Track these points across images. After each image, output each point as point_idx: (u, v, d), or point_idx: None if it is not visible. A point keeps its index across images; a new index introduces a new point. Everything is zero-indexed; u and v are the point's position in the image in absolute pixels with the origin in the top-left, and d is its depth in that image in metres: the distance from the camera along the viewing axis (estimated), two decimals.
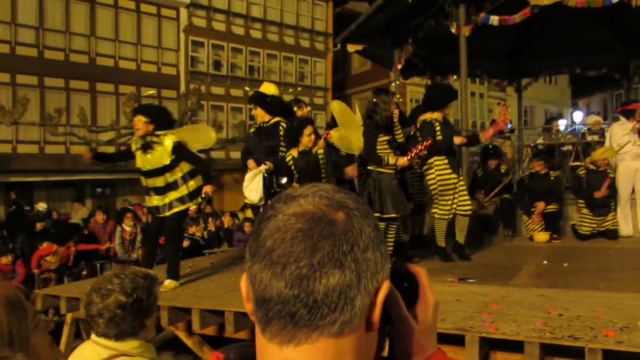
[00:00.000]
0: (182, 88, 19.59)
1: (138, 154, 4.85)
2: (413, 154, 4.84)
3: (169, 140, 4.77)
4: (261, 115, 5.32)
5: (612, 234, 6.67)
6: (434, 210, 5.55)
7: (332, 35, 22.70)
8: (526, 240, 6.94)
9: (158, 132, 4.79)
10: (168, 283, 4.72)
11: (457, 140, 5.59)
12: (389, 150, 4.88)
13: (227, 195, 19.17)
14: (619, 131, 6.98)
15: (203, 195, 5.10)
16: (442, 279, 4.58)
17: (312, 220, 0.60)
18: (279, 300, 0.59)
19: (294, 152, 5.12)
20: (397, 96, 6.90)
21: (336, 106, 5.85)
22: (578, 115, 19.91)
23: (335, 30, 21.22)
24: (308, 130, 5.02)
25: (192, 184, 4.91)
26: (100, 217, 9.57)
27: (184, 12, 20.20)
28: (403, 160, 4.81)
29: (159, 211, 4.85)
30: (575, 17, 9.28)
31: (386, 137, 4.85)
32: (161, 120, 4.90)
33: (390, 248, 4.94)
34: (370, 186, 4.85)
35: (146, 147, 4.78)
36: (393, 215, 4.79)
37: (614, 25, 10.25)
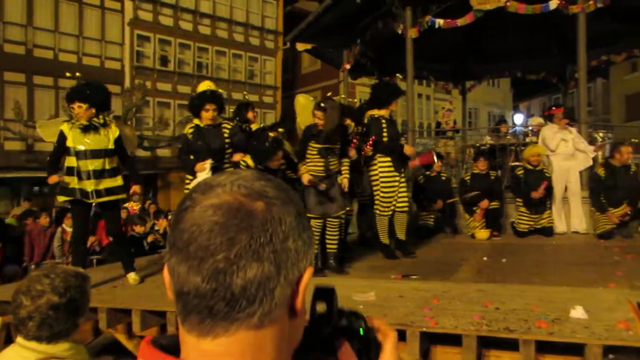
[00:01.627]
0: (127, 83, 19.00)
1: (74, 133, 4.62)
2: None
3: (115, 128, 4.76)
4: (213, 117, 5.23)
5: (548, 231, 6.98)
6: (375, 208, 5.62)
7: (282, 34, 22.63)
8: (468, 237, 7.15)
9: (103, 116, 4.74)
10: (134, 276, 4.79)
11: (409, 150, 5.71)
12: (316, 157, 4.92)
13: (174, 194, 18.76)
14: (550, 133, 7.30)
15: (131, 194, 5.04)
16: (386, 276, 4.64)
17: (229, 212, 0.59)
18: (196, 294, 0.58)
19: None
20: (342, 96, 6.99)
21: (302, 100, 5.83)
22: (519, 118, 20.70)
23: (286, 28, 21.16)
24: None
25: (122, 178, 4.84)
26: (44, 220, 9.11)
27: (129, 5, 19.58)
28: (306, 178, 4.89)
29: (87, 196, 4.61)
30: (517, 23, 9.64)
31: (317, 145, 4.89)
32: (99, 101, 4.75)
33: (334, 247, 4.96)
34: (301, 186, 4.92)
35: (88, 128, 4.62)
36: (313, 215, 4.81)
37: (551, 31, 10.73)
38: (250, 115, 5.78)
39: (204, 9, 21.52)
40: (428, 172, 7.51)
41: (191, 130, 5.12)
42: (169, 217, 10.89)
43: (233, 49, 22.49)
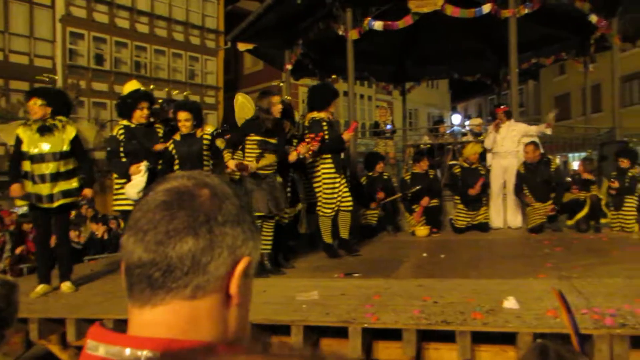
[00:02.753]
0: (59, 82, 18.17)
1: (28, 135, 4.47)
2: (299, 150, 4.88)
3: (70, 129, 4.59)
4: (147, 116, 5.08)
5: (484, 227, 7.25)
6: (318, 208, 5.66)
7: (223, 33, 22.34)
8: (409, 235, 7.31)
9: (59, 118, 4.56)
10: (69, 285, 4.65)
11: (348, 135, 5.74)
12: (257, 151, 4.86)
13: (111, 199, 18.09)
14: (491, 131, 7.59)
15: (81, 199, 4.85)
16: (330, 275, 4.68)
17: (176, 194, 0.66)
18: (138, 264, 0.64)
19: (176, 136, 5.05)
20: (287, 97, 7.00)
21: (241, 99, 5.76)
22: (456, 118, 21.41)
23: (227, 28, 20.90)
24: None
25: (77, 180, 4.65)
26: None
27: (60, 1, 18.74)
28: (232, 164, 4.82)
29: (41, 200, 4.46)
30: (453, 27, 9.97)
31: (257, 137, 4.84)
32: (58, 103, 4.62)
33: (268, 247, 4.90)
34: (247, 183, 4.83)
35: (44, 130, 4.46)
36: (262, 213, 4.75)
37: (486, 35, 11.17)
38: (172, 114, 5.60)
39: (141, 7, 20.93)
40: (370, 173, 7.63)
41: (121, 132, 4.95)
42: (109, 222, 10.51)
43: (173, 48, 22.00)
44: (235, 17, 18.79)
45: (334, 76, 8.79)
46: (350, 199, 5.71)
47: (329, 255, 5.67)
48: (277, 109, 4.86)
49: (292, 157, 4.89)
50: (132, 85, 5.12)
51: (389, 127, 10.17)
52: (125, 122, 4.99)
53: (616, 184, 6.80)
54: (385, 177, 7.78)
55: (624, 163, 6.90)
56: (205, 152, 5.09)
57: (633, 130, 18.13)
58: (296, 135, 5.70)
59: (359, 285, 4.19)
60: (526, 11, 8.03)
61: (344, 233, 5.77)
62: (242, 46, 10.55)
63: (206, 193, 0.66)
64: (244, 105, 5.62)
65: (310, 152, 5.22)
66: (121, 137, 4.94)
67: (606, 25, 8.69)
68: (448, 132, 11.63)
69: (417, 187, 7.21)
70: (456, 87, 27.07)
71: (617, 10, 8.85)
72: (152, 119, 5.14)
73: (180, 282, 0.63)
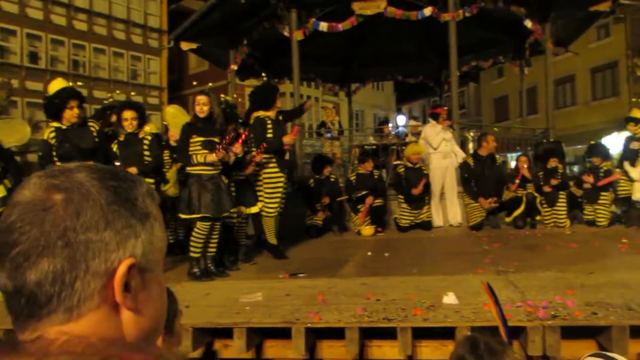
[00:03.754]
0: None
1: None
2: (220, 149, 4.80)
3: None
4: (78, 115, 4.88)
5: (427, 225, 7.42)
6: (262, 208, 5.62)
7: (167, 32, 21.80)
8: (354, 234, 7.37)
9: None
10: None
11: (289, 139, 5.72)
12: (201, 151, 4.76)
13: None
14: (432, 132, 7.78)
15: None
16: (274, 276, 4.65)
17: (25, 208, 0.58)
18: (5, 291, 0.59)
19: (120, 137, 4.99)
20: (222, 95, 6.91)
21: (172, 110, 5.73)
22: (401, 119, 21.84)
23: (171, 27, 20.38)
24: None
25: (7, 183, 4.40)
26: None
27: None
28: (212, 157, 4.72)
29: None
30: (397, 29, 10.17)
31: (200, 138, 4.74)
32: None
33: (198, 249, 4.75)
34: (189, 185, 4.73)
35: None
36: (204, 215, 4.65)
37: (428, 38, 11.46)
38: (114, 118, 5.42)
39: (79, 3, 20.11)
40: (318, 176, 7.64)
41: (52, 135, 4.71)
42: None
43: (113, 47, 21.28)
44: (179, 16, 18.38)
45: (263, 75, 8.76)
46: (276, 203, 5.67)
47: (274, 256, 5.64)
48: (200, 109, 4.75)
49: (210, 157, 4.80)
50: (57, 84, 4.87)
51: (329, 135, 10.25)
52: (55, 124, 4.75)
53: (591, 179, 7.15)
54: (333, 179, 7.83)
55: (554, 162, 7.24)
56: (145, 153, 5.00)
57: (565, 131, 19.11)
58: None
59: (304, 285, 4.18)
60: (465, 15, 8.29)
61: (272, 238, 5.71)
62: (185, 45, 10.34)
63: (59, 200, 0.58)
64: (175, 116, 5.55)
65: (254, 161, 5.19)
66: (53, 141, 4.70)
67: (540, 30, 9.10)
68: (393, 132, 11.82)
69: (364, 192, 7.29)
70: (401, 88, 27.61)
71: (549, 16, 9.29)
72: (86, 118, 4.96)
73: (47, 308, 0.57)
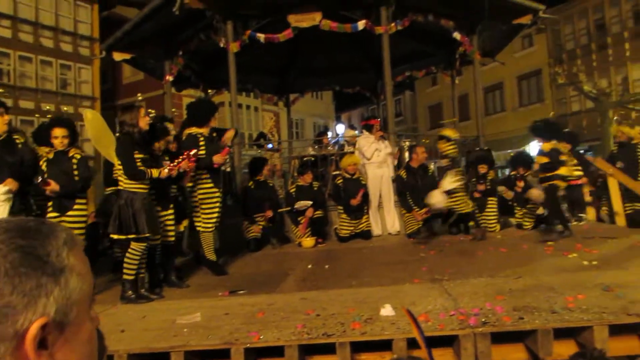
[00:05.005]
0: None
1: None
2: (175, 165, 4.70)
3: None
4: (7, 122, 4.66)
5: (367, 235, 7.55)
6: (198, 224, 5.53)
7: (98, 41, 21.06)
8: (295, 247, 7.38)
9: None
10: None
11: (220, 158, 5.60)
12: (142, 168, 4.63)
13: None
14: (365, 143, 7.95)
15: None
16: (213, 294, 4.59)
17: None
18: None
19: (50, 154, 4.81)
20: (150, 110, 6.75)
21: (89, 115, 5.45)
22: (340, 128, 22.12)
23: (103, 34, 19.72)
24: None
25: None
26: None
27: None
28: (165, 172, 4.63)
29: None
30: (334, 40, 10.32)
31: (140, 155, 4.55)
32: None
33: (133, 271, 4.56)
34: (123, 206, 4.49)
35: None
36: (140, 235, 4.49)
37: (364, 49, 11.71)
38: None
39: (2, 9, 19.09)
40: (257, 177, 7.54)
41: None
42: None
43: (40, 55, 20.30)
44: (112, 24, 17.84)
45: (210, 91, 8.65)
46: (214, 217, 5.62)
47: (213, 273, 5.56)
48: (144, 122, 4.60)
49: (164, 173, 4.67)
50: None
51: (269, 146, 10.25)
52: None
53: (511, 195, 7.49)
54: (270, 184, 7.81)
55: (483, 169, 7.57)
56: (75, 172, 4.82)
57: (496, 137, 20.02)
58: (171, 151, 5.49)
59: (244, 303, 4.15)
60: (398, 28, 8.54)
61: (210, 254, 5.64)
62: (117, 56, 10.04)
63: None
64: (93, 122, 5.35)
65: (185, 169, 5.01)
66: None
67: (468, 42, 9.51)
68: (332, 142, 11.96)
69: (309, 203, 7.30)
70: (340, 97, 27.98)
71: (476, 29, 9.73)
72: (10, 131, 4.71)
73: None
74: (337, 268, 5.52)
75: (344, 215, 7.56)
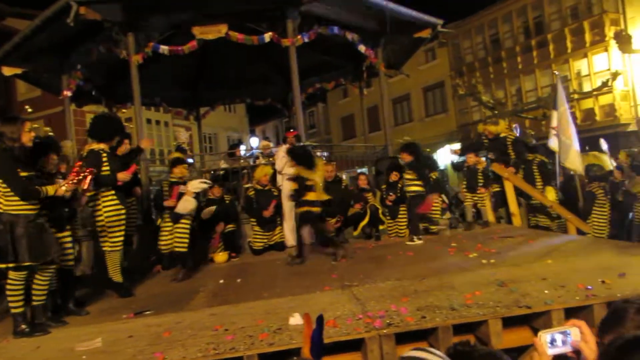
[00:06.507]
0: None
1: None
2: (69, 182, 4.39)
3: None
4: None
5: (280, 246, 7.52)
6: (104, 244, 5.26)
7: None
8: (207, 262, 7.19)
9: None
10: None
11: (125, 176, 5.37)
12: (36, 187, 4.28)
13: None
14: (279, 155, 7.94)
15: None
16: (118, 317, 4.35)
17: None
18: None
19: None
20: (36, 124, 6.33)
21: None
22: (254, 141, 22.01)
23: None
24: None
25: None
26: None
27: None
28: (62, 190, 4.32)
29: None
30: (243, 53, 10.27)
31: (25, 173, 4.12)
32: None
33: (19, 302, 4.12)
34: (2, 231, 4.02)
35: None
36: (20, 264, 4.03)
37: (273, 61, 11.75)
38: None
39: None
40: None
41: None
42: None
43: None
44: (2, 36, 16.58)
45: (115, 107, 8.28)
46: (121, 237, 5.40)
47: (119, 295, 5.29)
48: (28, 137, 4.13)
49: (60, 191, 4.34)
50: None
51: (191, 161, 10.01)
52: None
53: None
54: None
55: (395, 176, 7.83)
56: None
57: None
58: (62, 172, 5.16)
59: (149, 324, 3.97)
60: (304, 40, 8.66)
61: (116, 275, 5.39)
62: (7, 71, 9.37)
63: None
64: None
65: (82, 187, 4.67)
66: None
67: (373, 55, 9.85)
68: (247, 155, 11.87)
69: (212, 212, 7.15)
70: (253, 110, 27.89)
71: (380, 42, 10.11)
72: None
73: None
74: (249, 281, 5.45)
75: (257, 228, 7.50)
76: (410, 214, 7.35)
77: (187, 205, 6.11)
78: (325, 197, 6.52)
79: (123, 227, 5.32)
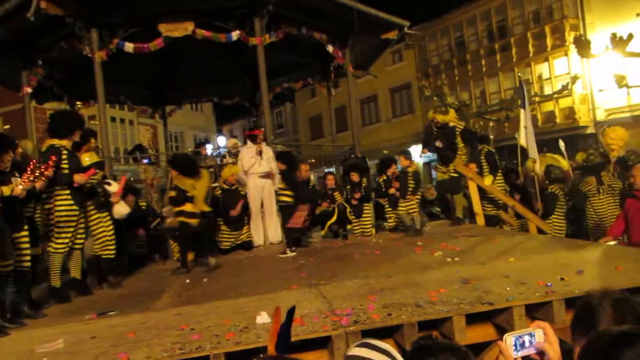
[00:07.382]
0: None
1: None
2: (25, 180, 4.27)
3: None
4: None
5: (248, 245, 7.50)
6: (49, 244, 5.13)
7: None
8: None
9: None
10: None
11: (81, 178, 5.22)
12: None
13: None
14: (248, 153, 7.91)
15: None
16: (80, 318, 4.26)
17: None
18: None
19: None
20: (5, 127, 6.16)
21: None
22: (222, 140, 21.85)
23: None
24: None
25: None
26: None
27: None
28: (18, 189, 4.20)
29: None
30: (210, 51, 10.19)
31: None
32: None
33: None
34: None
35: None
36: None
37: (240, 60, 11.67)
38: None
39: None
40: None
41: None
42: None
43: None
44: None
45: (79, 103, 8.06)
46: (84, 235, 5.31)
47: (58, 301, 5.10)
48: None
49: (17, 190, 4.22)
50: None
51: (146, 160, 9.84)
52: None
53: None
54: (144, 206, 7.49)
55: (355, 177, 7.90)
56: None
57: (371, 146, 21.01)
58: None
59: (113, 325, 3.90)
60: (272, 39, 8.65)
61: (77, 272, 5.34)
62: None
63: None
64: None
65: (38, 183, 4.54)
66: None
67: (340, 55, 9.90)
68: (214, 154, 11.76)
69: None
70: (220, 109, 27.69)
71: (348, 42, 10.17)
72: None
73: None
74: (216, 280, 5.42)
75: (224, 227, 7.45)
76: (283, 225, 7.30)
77: (121, 210, 5.92)
78: (206, 208, 6.52)
79: (71, 231, 5.18)
